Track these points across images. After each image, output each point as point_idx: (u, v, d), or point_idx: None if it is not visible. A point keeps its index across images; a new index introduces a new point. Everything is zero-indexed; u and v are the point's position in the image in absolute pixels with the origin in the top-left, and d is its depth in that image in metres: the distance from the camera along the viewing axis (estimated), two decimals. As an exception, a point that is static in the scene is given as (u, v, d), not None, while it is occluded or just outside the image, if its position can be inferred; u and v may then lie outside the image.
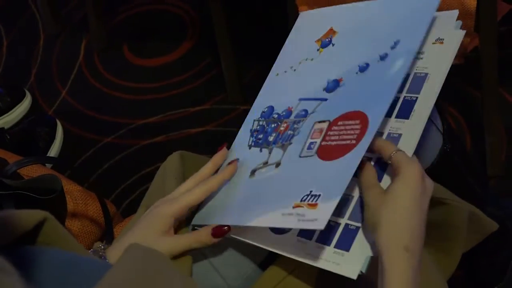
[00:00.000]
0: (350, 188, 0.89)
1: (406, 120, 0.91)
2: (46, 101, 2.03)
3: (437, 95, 0.92)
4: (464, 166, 1.18)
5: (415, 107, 0.92)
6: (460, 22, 0.97)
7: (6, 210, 0.56)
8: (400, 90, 0.94)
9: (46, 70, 2.09)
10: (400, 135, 0.91)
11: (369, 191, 0.84)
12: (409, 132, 0.90)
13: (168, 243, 0.87)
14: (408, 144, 0.90)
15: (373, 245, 0.84)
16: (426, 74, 0.93)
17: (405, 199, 0.80)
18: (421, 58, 0.95)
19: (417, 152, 0.96)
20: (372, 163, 0.90)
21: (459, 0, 1.28)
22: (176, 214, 0.88)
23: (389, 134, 0.92)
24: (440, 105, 1.07)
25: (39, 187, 0.98)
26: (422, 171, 0.82)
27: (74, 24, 2.20)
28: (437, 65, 0.93)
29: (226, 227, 0.88)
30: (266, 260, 0.94)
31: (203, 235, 0.88)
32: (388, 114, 0.93)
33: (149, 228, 0.87)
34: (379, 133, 0.92)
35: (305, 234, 0.89)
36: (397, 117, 0.92)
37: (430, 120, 1.04)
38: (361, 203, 0.88)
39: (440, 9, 1.27)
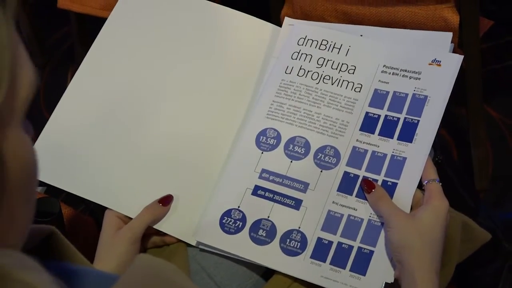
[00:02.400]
0: (359, 211, 0.91)
1: (409, 144, 0.93)
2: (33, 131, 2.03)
3: (440, 120, 0.94)
4: (456, 177, 1.20)
5: (418, 131, 0.94)
6: (453, 45, 0.99)
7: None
8: (400, 110, 0.96)
9: (33, 101, 2.09)
10: (404, 159, 0.93)
11: (394, 214, 0.88)
12: (414, 157, 0.92)
13: (124, 231, 0.95)
14: (414, 169, 0.92)
15: (389, 270, 0.88)
16: (426, 96, 0.95)
17: (436, 231, 0.87)
18: (419, 79, 0.97)
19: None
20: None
21: (442, 16, 1.30)
22: (119, 215, 0.98)
23: (392, 156, 0.93)
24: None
25: (37, 210, 0.98)
26: (448, 208, 0.89)
27: (60, 55, 2.22)
28: (437, 88, 0.95)
29: (170, 195, 0.99)
30: (269, 269, 0.95)
31: (154, 207, 0.97)
32: (390, 135, 0.94)
33: (104, 233, 0.97)
34: (383, 155, 0.94)
35: (318, 256, 0.91)
36: (399, 139, 0.94)
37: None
38: (372, 226, 0.90)
39: (423, 25, 1.30)
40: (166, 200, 0.98)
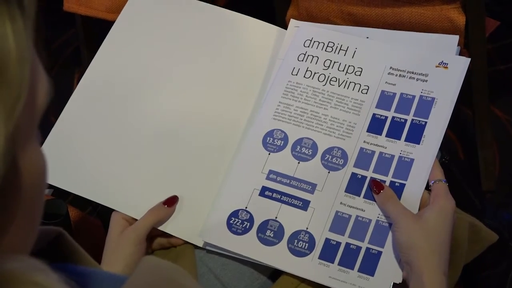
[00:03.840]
0: (367, 212, 0.91)
1: (417, 145, 0.94)
2: (40, 134, 2.03)
3: (447, 122, 0.94)
4: (462, 178, 1.20)
5: (425, 132, 0.94)
6: (459, 48, 0.99)
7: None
8: (407, 112, 0.96)
9: (40, 103, 2.10)
10: (412, 160, 0.93)
11: (401, 215, 0.88)
12: (422, 158, 0.93)
13: (128, 233, 0.95)
14: (422, 171, 0.92)
15: (397, 270, 0.88)
16: (433, 98, 0.96)
17: (443, 231, 0.87)
18: (426, 81, 0.97)
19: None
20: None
21: (448, 17, 1.30)
22: (125, 216, 0.98)
23: (400, 157, 0.94)
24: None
25: (44, 212, 0.99)
26: (455, 207, 0.89)
27: (66, 58, 2.22)
28: (444, 90, 0.96)
29: (175, 196, 0.99)
30: (276, 270, 0.95)
31: (158, 209, 0.97)
32: (397, 136, 0.95)
33: (110, 235, 0.97)
34: (390, 156, 0.94)
35: (327, 257, 0.91)
36: (407, 140, 0.95)
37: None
38: (380, 227, 0.91)
39: (429, 26, 1.30)
40: (171, 201, 0.98)
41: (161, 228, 0.98)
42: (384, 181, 0.93)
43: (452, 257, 1.01)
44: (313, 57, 1.03)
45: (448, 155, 1.09)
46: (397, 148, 0.94)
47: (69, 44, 2.25)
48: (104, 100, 1.06)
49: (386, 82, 0.99)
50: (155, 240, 1.01)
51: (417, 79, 0.98)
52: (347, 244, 0.91)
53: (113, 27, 1.11)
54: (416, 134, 0.94)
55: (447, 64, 0.97)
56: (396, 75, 0.99)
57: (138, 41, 1.10)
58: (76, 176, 1.02)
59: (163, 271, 0.53)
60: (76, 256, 0.60)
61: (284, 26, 1.10)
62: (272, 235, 0.93)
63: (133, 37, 1.10)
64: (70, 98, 1.07)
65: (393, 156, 0.94)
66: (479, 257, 1.09)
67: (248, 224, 0.94)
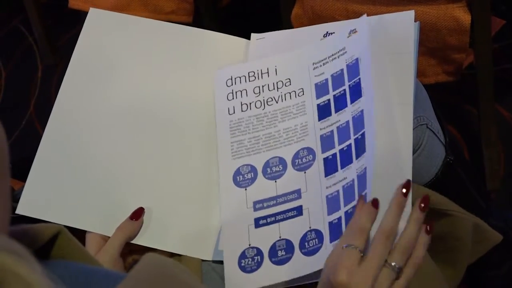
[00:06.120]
0: (349, 177, 0.93)
1: (361, 98, 0.96)
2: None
3: (370, 70, 0.96)
4: (467, 178, 1.19)
5: (362, 84, 0.97)
6: (418, 23, 1.01)
7: (20, 225, 0.56)
8: (342, 84, 0.99)
9: (46, 101, 2.10)
10: (362, 111, 0.95)
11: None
12: (366, 103, 0.95)
13: (101, 256, 0.93)
14: (369, 111, 0.93)
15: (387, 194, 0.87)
16: (357, 59, 0.99)
17: None
18: (346, 52, 1.01)
19: (421, 163, 0.98)
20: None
21: (453, 16, 1.30)
22: (98, 235, 0.97)
23: (353, 117, 0.96)
24: (441, 118, 1.09)
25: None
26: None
27: (71, 54, 2.22)
28: (362, 48, 0.98)
29: (140, 208, 0.98)
30: None
31: (125, 225, 0.96)
32: (344, 106, 0.98)
33: None
34: (346, 123, 0.96)
35: (335, 236, 0.91)
36: (352, 102, 0.97)
37: (432, 133, 1.06)
38: (361, 177, 0.91)
39: (434, 25, 1.30)
40: (137, 214, 0.98)
41: (134, 241, 0.98)
42: (350, 144, 0.95)
43: (455, 257, 1.02)
44: (241, 91, 1.06)
45: (452, 154, 1.09)
46: (348, 113, 0.97)
47: (75, 42, 2.25)
48: (73, 136, 1.06)
49: (315, 76, 1.03)
50: (129, 258, 1.00)
51: (339, 56, 1.01)
52: (346, 213, 0.92)
53: (74, 53, 1.13)
54: (356, 92, 0.97)
55: (355, 29, 1.01)
56: (321, 65, 1.03)
57: (101, 66, 1.13)
58: (44, 203, 1.00)
59: (165, 268, 0.53)
60: (76, 253, 0.61)
61: (290, 25, 1.11)
62: (284, 253, 0.94)
63: (95, 63, 1.13)
64: (42, 139, 1.06)
65: (348, 122, 0.97)
66: (484, 257, 1.09)
67: (259, 257, 0.95)
